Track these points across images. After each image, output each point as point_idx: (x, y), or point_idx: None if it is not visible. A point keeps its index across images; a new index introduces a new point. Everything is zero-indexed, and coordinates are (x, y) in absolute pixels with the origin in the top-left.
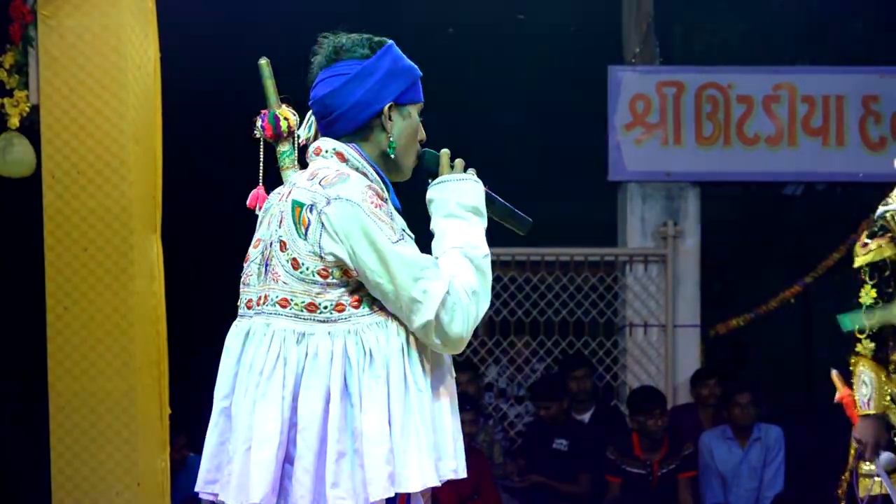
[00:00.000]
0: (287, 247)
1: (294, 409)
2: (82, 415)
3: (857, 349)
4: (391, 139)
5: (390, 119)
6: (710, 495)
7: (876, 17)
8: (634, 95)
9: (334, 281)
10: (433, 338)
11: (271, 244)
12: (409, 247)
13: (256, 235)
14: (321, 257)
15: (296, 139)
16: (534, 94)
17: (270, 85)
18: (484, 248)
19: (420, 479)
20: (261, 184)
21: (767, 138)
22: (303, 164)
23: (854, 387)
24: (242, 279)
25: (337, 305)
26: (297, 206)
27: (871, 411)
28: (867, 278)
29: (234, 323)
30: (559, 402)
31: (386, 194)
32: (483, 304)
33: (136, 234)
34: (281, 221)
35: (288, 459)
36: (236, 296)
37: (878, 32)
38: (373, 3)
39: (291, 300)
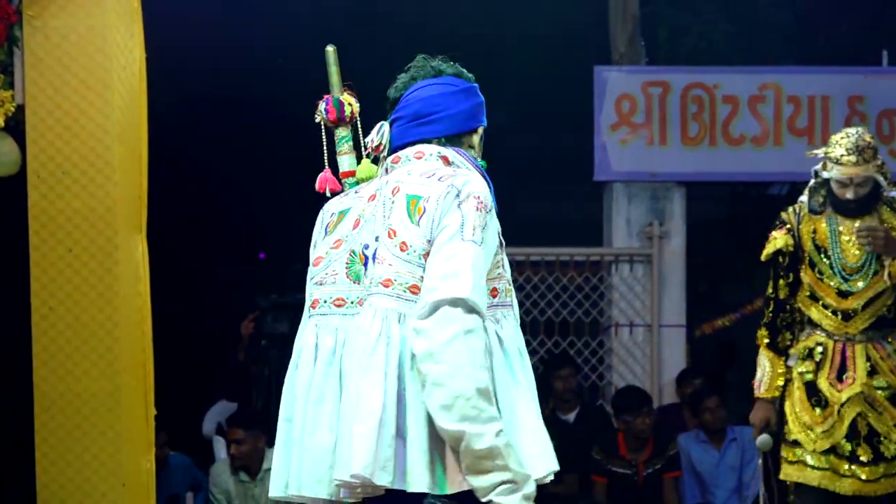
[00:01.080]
0: (397, 233)
1: (401, 388)
2: (67, 415)
3: (758, 336)
4: (478, 158)
5: (480, 139)
6: (690, 496)
7: (861, 17)
8: (620, 96)
9: (422, 261)
10: (438, 318)
11: (378, 237)
12: (487, 255)
13: (334, 236)
14: (429, 241)
15: (357, 125)
16: (520, 94)
17: (336, 71)
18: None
19: (543, 465)
20: (327, 167)
21: (753, 138)
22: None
23: (759, 367)
24: (315, 279)
25: (414, 286)
26: (414, 198)
27: (763, 395)
28: (772, 270)
29: (314, 324)
30: (545, 403)
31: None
32: (455, 381)
33: (121, 234)
34: (387, 215)
35: (399, 434)
36: (220, 294)
37: (863, 33)
38: (363, 6)
39: (395, 280)
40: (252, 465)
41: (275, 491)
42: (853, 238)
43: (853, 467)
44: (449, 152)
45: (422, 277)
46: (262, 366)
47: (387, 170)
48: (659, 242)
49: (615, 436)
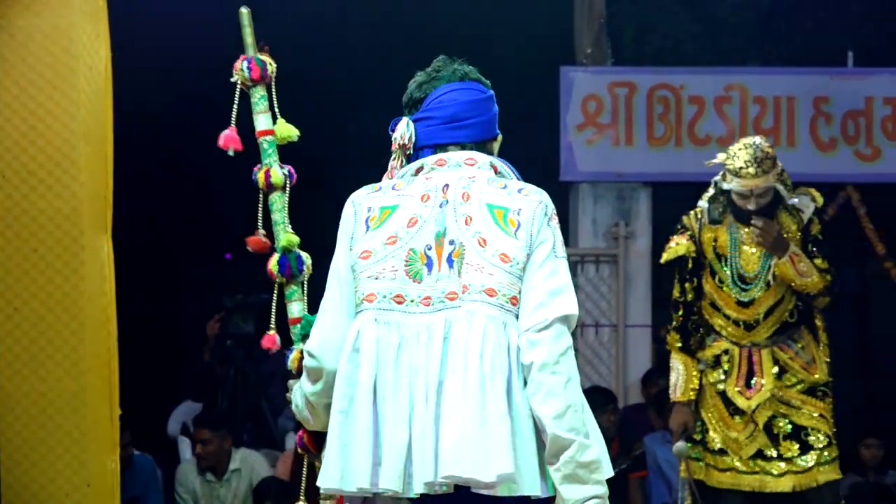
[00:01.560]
0: (489, 243)
1: (511, 394)
2: (32, 415)
3: (668, 341)
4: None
5: (499, 145)
6: (657, 496)
7: (827, 18)
8: (586, 96)
9: (522, 274)
10: (552, 332)
11: (450, 241)
12: None
13: (384, 232)
14: (528, 255)
15: (273, 85)
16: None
17: (250, 33)
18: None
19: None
20: (233, 125)
21: (719, 139)
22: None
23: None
24: (369, 273)
25: (514, 298)
26: (500, 209)
27: (679, 398)
28: (674, 276)
29: (373, 318)
30: None
31: None
32: (568, 392)
33: (87, 234)
34: (468, 220)
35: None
36: (186, 294)
37: (828, 34)
38: (323, 5)
39: (499, 290)
40: (218, 465)
41: (328, 483)
42: (753, 247)
43: (783, 465)
44: (497, 162)
45: (520, 290)
46: (228, 366)
47: (420, 168)
48: (625, 243)
49: None
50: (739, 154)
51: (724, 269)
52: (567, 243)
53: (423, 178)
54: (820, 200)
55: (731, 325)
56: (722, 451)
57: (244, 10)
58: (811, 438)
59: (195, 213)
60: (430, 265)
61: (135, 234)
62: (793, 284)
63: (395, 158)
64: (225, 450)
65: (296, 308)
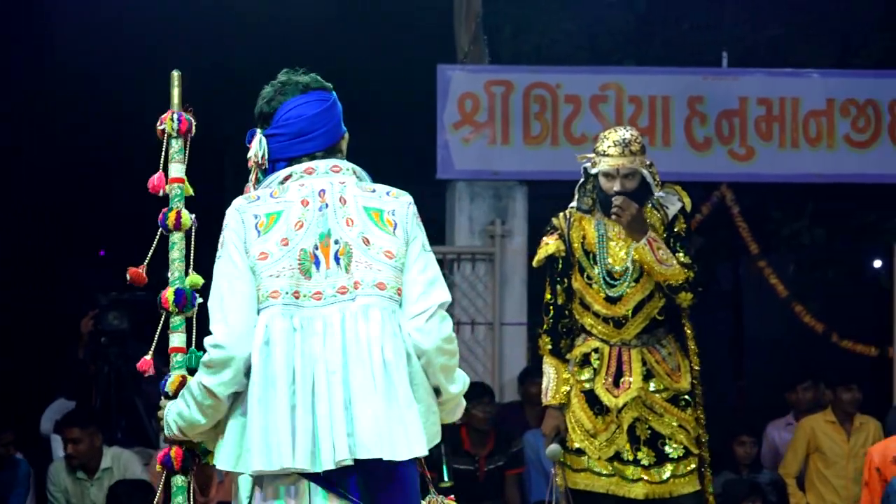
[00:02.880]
0: (372, 241)
1: (411, 372)
2: None
3: (539, 344)
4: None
5: (346, 143)
6: (536, 493)
7: (701, 18)
8: (463, 94)
9: (402, 268)
10: (437, 319)
11: (335, 240)
12: None
13: (275, 235)
14: (406, 249)
15: (189, 138)
16: (362, 92)
17: (178, 93)
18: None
19: None
20: (161, 171)
21: (595, 138)
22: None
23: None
24: (270, 272)
25: (399, 289)
26: (376, 211)
27: (550, 402)
28: (547, 276)
29: (279, 312)
30: None
31: None
32: (454, 361)
33: None
34: (349, 222)
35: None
36: (61, 291)
37: (703, 34)
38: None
39: (388, 284)
40: (89, 463)
41: (255, 465)
42: (620, 243)
43: (638, 470)
44: (356, 168)
45: (400, 281)
46: (102, 363)
47: (288, 177)
48: (501, 241)
49: (458, 431)
50: (608, 136)
51: (593, 265)
52: (444, 241)
53: (298, 185)
54: (687, 200)
55: (600, 322)
56: (579, 451)
57: (175, 73)
58: (667, 448)
59: (69, 209)
60: (318, 263)
61: (8, 230)
62: (652, 273)
63: (252, 173)
64: (96, 448)
65: (177, 339)
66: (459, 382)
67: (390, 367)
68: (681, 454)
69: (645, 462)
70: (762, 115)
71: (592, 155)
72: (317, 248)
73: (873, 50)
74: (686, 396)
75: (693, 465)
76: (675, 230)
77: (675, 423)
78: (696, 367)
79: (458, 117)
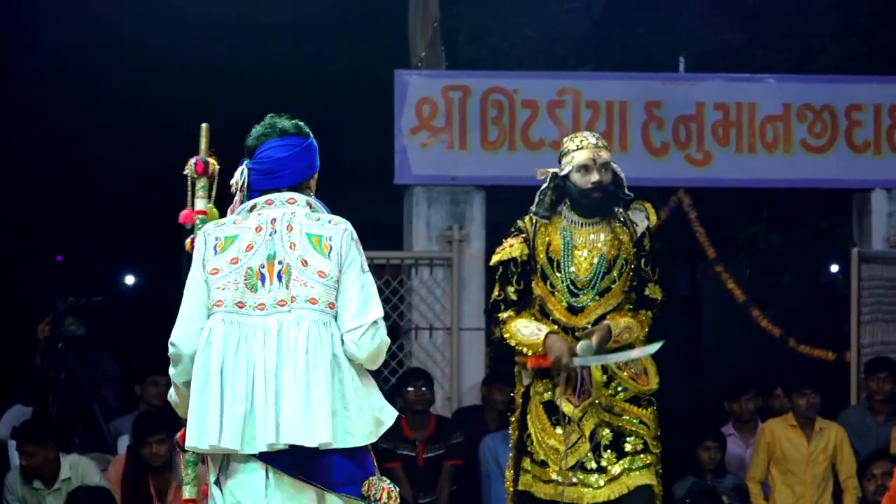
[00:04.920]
0: (309, 263)
1: (332, 375)
2: None
3: (500, 317)
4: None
5: (315, 181)
6: (496, 497)
7: (658, 24)
8: (420, 99)
9: (336, 286)
10: (369, 335)
11: (279, 261)
12: None
13: (228, 255)
14: (340, 270)
15: (215, 178)
16: (319, 97)
17: (205, 142)
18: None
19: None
20: (189, 206)
21: (552, 143)
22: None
23: (517, 339)
24: (218, 285)
25: (331, 304)
26: (315, 237)
27: (545, 332)
28: (508, 275)
29: (221, 318)
30: None
31: None
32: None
33: None
34: (292, 246)
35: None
36: (17, 296)
37: (661, 39)
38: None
39: (319, 299)
40: (46, 473)
41: (189, 442)
42: (585, 252)
43: (603, 477)
44: (312, 200)
45: (335, 297)
46: (59, 369)
47: (253, 207)
48: (459, 246)
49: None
50: (575, 136)
51: (556, 273)
52: (401, 246)
53: (256, 214)
54: (653, 218)
55: (559, 332)
56: (543, 463)
57: (204, 126)
58: (626, 445)
59: (26, 214)
60: (263, 280)
61: None
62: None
63: (236, 195)
64: (50, 460)
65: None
66: (380, 361)
67: (311, 369)
68: (639, 448)
69: (605, 464)
70: (719, 121)
71: (553, 169)
72: (263, 267)
73: (830, 56)
74: (650, 397)
75: (650, 461)
76: (645, 247)
77: (635, 420)
78: (654, 367)
79: (416, 122)
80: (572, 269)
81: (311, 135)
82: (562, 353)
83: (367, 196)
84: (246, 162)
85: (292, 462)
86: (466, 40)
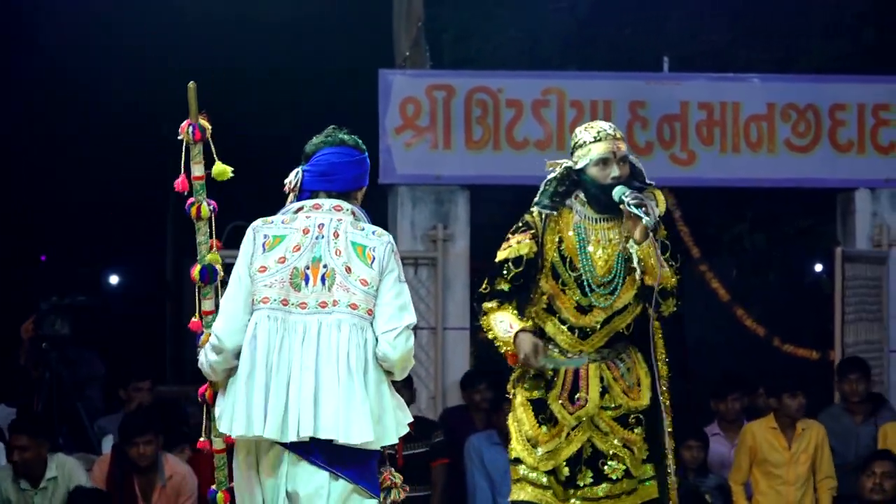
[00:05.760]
0: (353, 271)
1: (367, 376)
2: None
3: (484, 308)
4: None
5: (363, 195)
6: (481, 497)
7: (643, 24)
8: (405, 99)
9: (375, 294)
10: (403, 337)
11: (324, 265)
12: None
13: (275, 254)
14: (380, 279)
15: (209, 141)
16: (304, 95)
17: (194, 104)
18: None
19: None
20: (183, 172)
21: (536, 142)
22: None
23: (494, 333)
24: (265, 283)
25: (369, 311)
26: (360, 246)
27: (517, 329)
28: (503, 272)
29: (266, 315)
30: None
31: None
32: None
33: None
34: (337, 252)
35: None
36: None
37: (645, 39)
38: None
39: (360, 305)
40: (34, 472)
41: (238, 430)
42: (601, 251)
43: (571, 491)
44: (356, 210)
45: (374, 304)
46: (43, 369)
47: (301, 208)
48: (443, 245)
49: None
50: (590, 126)
51: (569, 272)
52: None
53: (304, 217)
54: (663, 205)
55: (563, 332)
56: (517, 461)
57: (191, 85)
58: (606, 468)
59: (9, 214)
60: (307, 280)
61: None
62: (651, 275)
63: (289, 194)
64: (41, 457)
65: (208, 304)
66: (405, 372)
67: (352, 371)
68: (619, 476)
69: (581, 483)
70: (703, 120)
71: (565, 161)
72: (308, 268)
73: (814, 56)
74: (639, 414)
75: (633, 487)
76: (659, 238)
77: (618, 443)
78: (664, 375)
79: (400, 122)
80: (590, 267)
81: (367, 152)
82: (528, 351)
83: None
84: (302, 165)
85: (311, 448)
86: (451, 40)
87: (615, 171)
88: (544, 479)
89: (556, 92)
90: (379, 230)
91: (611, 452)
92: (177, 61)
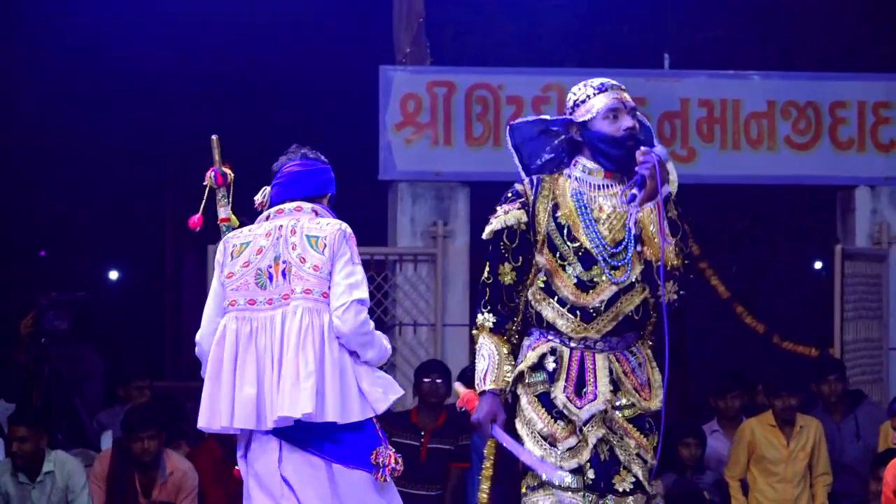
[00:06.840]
0: (306, 260)
1: (323, 355)
2: None
3: (478, 321)
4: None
5: (329, 202)
6: (473, 493)
7: (644, 20)
8: (405, 95)
9: (328, 277)
10: (352, 310)
11: (283, 261)
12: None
13: (241, 259)
14: (332, 263)
15: (231, 187)
16: (304, 91)
17: (218, 153)
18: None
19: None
20: (200, 213)
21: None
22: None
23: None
24: (232, 287)
25: (324, 293)
26: (313, 238)
27: (489, 387)
28: (502, 250)
29: (234, 316)
30: None
31: None
32: (368, 337)
33: None
34: (293, 247)
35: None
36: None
37: (645, 35)
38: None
39: (313, 290)
40: (32, 465)
41: (201, 423)
42: (604, 216)
43: (593, 497)
44: (317, 207)
45: (329, 287)
46: (42, 365)
47: (268, 216)
48: (443, 242)
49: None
50: (588, 81)
51: (567, 243)
52: (385, 242)
53: (267, 222)
54: (674, 186)
55: (563, 315)
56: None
57: (214, 138)
58: (615, 480)
59: (8, 208)
60: (270, 278)
61: None
62: (650, 245)
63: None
64: (40, 449)
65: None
66: (374, 351)
67: (302, 349)
68: (628, 488)
69: (618, 487)
70: (704, 117)
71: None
72: (270, 267)
73: (814, 52)
74: (651, 419)
75: (642, 501)
76: (668, 216)
77: (634, 451)
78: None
79: (400, 118)
80: (600, 233)
81: (330, 165)
82: (482, 419)
83: (350, 192)
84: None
85: (304, 438)
86: (451, 36)
87: (628, 122)
88: (570, 480)
89: (557, 88)
90: (334, 220)
91: (625, 461)
92: (177, 57)
